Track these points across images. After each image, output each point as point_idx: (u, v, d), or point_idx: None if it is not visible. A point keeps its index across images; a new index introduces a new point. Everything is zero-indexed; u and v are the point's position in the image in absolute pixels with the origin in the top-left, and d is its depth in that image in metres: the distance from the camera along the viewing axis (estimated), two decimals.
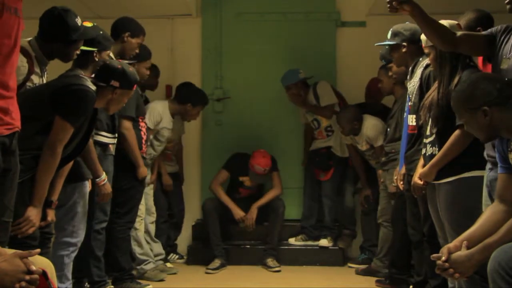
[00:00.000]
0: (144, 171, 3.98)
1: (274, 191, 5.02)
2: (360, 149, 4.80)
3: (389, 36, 3.51)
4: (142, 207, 4.42)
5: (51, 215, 2.90)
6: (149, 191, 4.48)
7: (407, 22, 3.49)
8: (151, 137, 4.47)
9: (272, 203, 4.96)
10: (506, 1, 2.54)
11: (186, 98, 4.65)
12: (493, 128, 2.29)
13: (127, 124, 3.86)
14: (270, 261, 4.82)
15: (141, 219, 4.44)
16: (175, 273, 4.57)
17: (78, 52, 2.92)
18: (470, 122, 2.36)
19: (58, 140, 2.62)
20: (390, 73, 4.09)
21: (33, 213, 2.63)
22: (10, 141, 2.29)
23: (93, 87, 2.76)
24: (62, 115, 2.62)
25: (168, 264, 4.78)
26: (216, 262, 4.80)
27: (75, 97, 2.67)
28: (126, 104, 3.77)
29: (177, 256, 5.02)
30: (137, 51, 3.87)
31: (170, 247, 5.00)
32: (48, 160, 2.61)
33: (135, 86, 3.06)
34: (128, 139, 3.86)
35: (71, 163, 2.93)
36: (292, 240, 5.11)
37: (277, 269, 4.76)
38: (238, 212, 4.94)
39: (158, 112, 4.46)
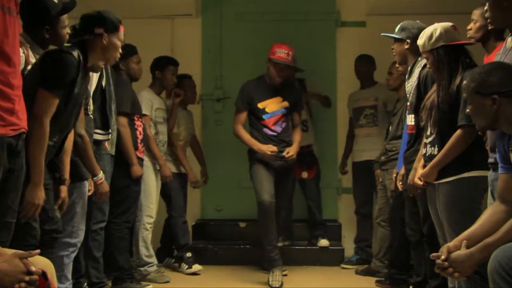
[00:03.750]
0: (138, 170, 3.98)
1: (300, 132, 4.71)
2: (363, 104, 4.86)
3: (396, 29, 3.52)
4: (153, 207, 4.42)
5: (64, 191, 2.87)
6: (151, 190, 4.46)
7: (417, 21, 3.49)
8: (153, 132, 4.45)
9: (277, 209, 4.57)
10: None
11: (153, 69, 4.60)
12: (496, 118, 2.30)
13: (122, 121, 3.87)
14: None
15: (153, 220, 4.43)
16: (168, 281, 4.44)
17: (68, 31, 2.84)
18: (475, 106, 2.36)
19: (43, 111, 2.53)
20: (396, 67, 4.08)
21: (32, 193, 2.55)
22: (16, 142, 2.28)
23: (75, 52, 2.66)
24: (43, 86, 2.56)
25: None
26: (277, 274, 4.32)
27: (53, 65, 2.59)
28: (121, 100, 3.79)
29: (173, 260, 4.86)
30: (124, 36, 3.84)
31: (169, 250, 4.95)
32: (36, 134, 2.51)
33: (122, 27, 2.93)
34: (123, 136, 3.86)
35: (72, 137, 2.93)
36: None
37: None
38: (265, 149, 4.45)
39: (146, 97, 4.43)
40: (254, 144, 4.53)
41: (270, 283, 4.28)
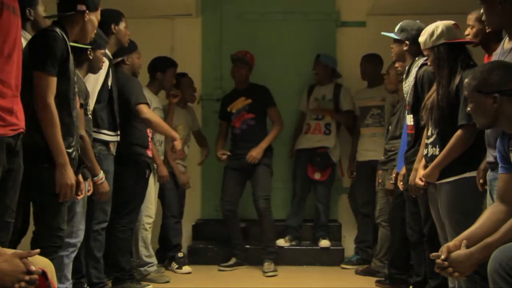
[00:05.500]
0: (178, 144, 3.96)
1: (276, 129, 4.94)
2: (370, 104, 4.85)
3: (396, 29, 3.51)
4: (152, 207, 4.42)
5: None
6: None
7: (417, 21, 3.49)
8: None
9: (255, 202, 4.81)
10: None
11: (153, 69, 4.58)
12: (496, 117, 2.30)
13: (145, 109, 3.85)
14: (267, 265, 4.70)
15: (152, 221, 4.43)
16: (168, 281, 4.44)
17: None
18: (476, 104, 2.36)
19: (44, 93, 2.56)
20: (396, 65, 4.08)
21: (62, 174, 2.61)
22: (15, 142, 2.29)
23: (59, 30, 2.68)
24: (36, 68, 2.58)
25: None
26: (232, 260, 4.82)
27: (40, 44, 2.62)
28: (135, 93, 3.84)
29: (176, 266, 4.78)
30: (128, 34, 3.85)
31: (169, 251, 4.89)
32: (45, 117, 2.56)
33: (99, 7, 3.00)
34: (153, 121, 3.86)
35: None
36: (281, 242, 5.03)
37: (270, 274, 4.62)
38: (217, 154, 4.95)
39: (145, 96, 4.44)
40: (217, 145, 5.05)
41: (221, 264, 4.81)
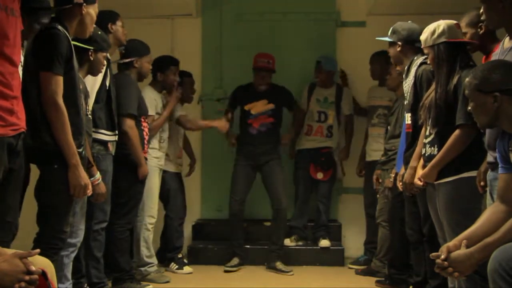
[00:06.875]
0: (145, 170, 3.97)
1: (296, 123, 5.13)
2: (377, 103, 4.84)
3: (389, 32, 3.52)
4: (155, 208, 4.41)
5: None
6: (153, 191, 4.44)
7: (409, 21, 3.49)
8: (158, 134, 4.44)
9: (272, 201, 4.82)
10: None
11: (153, 70, 4.52)
12: (496, 116, 2.30)
13: (129, 123, 3.85)
14: (280, 264, 4.73)
15: (155, 221, 4.42)
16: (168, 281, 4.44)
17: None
18: (477, 103, 2.36)
19: (52, 92, 2.57)
20: (395, 67, 4.08)
21: (75, 176, 2.62)
22: (16, 141, 2.29)
23: (60, 27, 2.66)
24: (42, 69, 2.58)
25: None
26: (235, 260, 4.80)
27: (44, 44, 2.60)
28: (128, 102, 3.81)
29: (176, 267, 4.77)
30: (125, 32, 3.86)
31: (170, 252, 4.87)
32: (54, 117, 2.57)
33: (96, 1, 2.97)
34: (131, 138, 3.85)
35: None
36: (287, 241, 5.05)
37: (291, 273, 4.67)
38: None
39: (151, 97, 4.40)
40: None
41: (226, 264, 4.77)
